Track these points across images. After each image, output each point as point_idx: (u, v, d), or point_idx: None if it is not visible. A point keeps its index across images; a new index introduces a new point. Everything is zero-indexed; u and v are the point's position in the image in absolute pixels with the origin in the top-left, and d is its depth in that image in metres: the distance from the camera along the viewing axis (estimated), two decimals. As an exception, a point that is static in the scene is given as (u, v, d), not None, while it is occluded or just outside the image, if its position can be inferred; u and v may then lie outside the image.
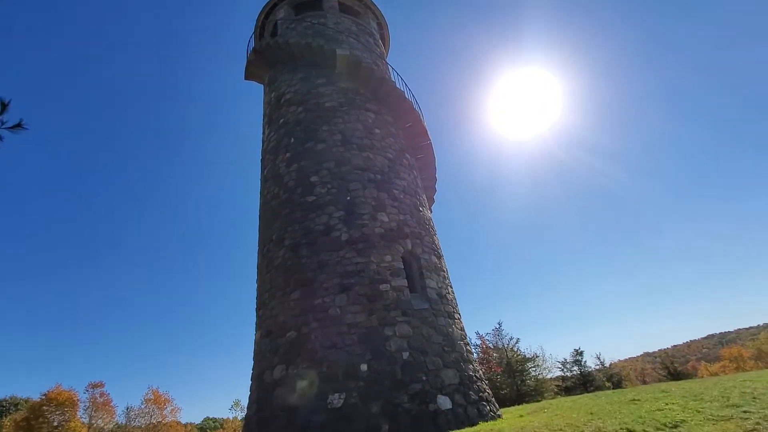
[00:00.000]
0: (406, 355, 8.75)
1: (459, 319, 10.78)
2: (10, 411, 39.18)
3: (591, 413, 7.16)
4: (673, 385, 10.47)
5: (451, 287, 11.41)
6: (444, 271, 11.31)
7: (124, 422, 37.77)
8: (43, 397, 32.63)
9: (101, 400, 36.38)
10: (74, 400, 33.92)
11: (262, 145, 13.80)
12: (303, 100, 12.84)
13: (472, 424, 8.35)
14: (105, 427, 37.55)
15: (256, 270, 11.89)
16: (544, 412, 9.50)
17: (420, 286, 10.28)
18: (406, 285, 9.85)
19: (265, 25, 16.85)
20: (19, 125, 4.41)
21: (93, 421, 35.73)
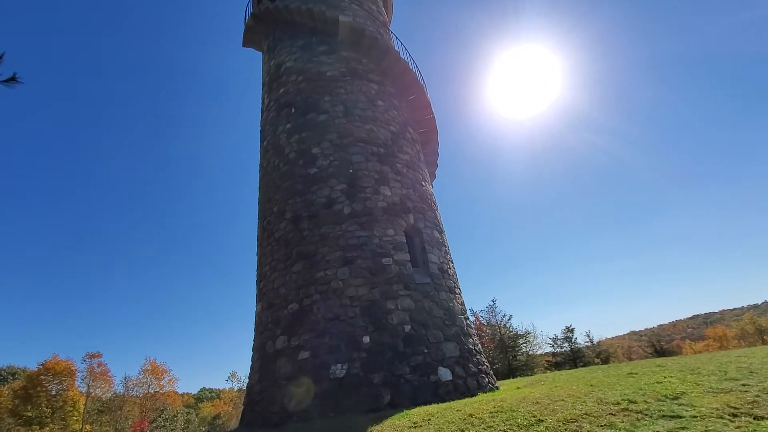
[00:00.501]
0: (407, 328, 8.79)
1: (459, 294, 10.82)
2: (8, 380, 39.66)
3: (590, 385, 7.28)
4: (669, 360, 10.70)
5: (452, 262, 11.41)
6: (445, 246, 11.28)
7: (122, 392, 38.39)
8: (41, 366, 32.97)
9: (99, 370, 36.87)
10: (72, 370, 34.34)
11: (262, 115, 13.44)
12: (304, 69, 12.43)
13: (472, 395, 8.49)
14: (103, 396, 38.18)
15: (257, 242, 11.78)
16: (542, 384, 9.68)
17: (422, 261, 10.25)
18: (409, 259, 9.81)
19: (263, -11, 16.14)
20: (13, 79, 4.16)
21: (91, 391, 36.28)
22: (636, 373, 8.02)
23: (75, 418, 33.69)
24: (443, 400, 7.94)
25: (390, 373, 8.09)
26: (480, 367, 9.53)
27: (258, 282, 10.83)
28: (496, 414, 5.68)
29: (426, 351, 8.62)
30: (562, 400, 6.18)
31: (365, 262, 9.37)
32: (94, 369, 36.34)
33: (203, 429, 41.28)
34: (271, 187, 11.32)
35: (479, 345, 10.41)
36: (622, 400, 5.78)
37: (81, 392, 35.49)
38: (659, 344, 44.90)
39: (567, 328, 36.51)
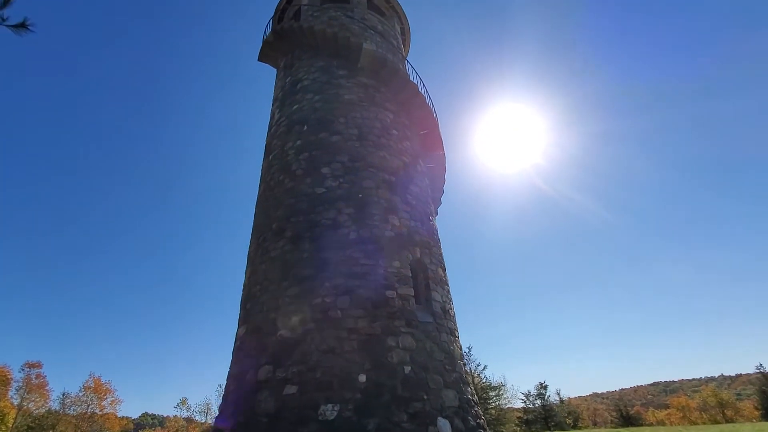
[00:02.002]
0: (408, 369, 8.10)
1: (458, 337, 10.24)
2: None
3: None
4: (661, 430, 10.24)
5: (452, 303, 10.89)
6: (447, 286, 10.80)
7: (58, 408, 34.76)
8: (-30, 371, 29.64)
9: (36, 381, 33.52)
10: (7, 378, 31.03)
11: (269, 129, 13.04)
12: (321, 89, 12.24)
13: (471, 452, 7.77)
14: (36, 411, 34.45)
15: (247, 259, 11.01)
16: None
17: (425, 298, 9.71)
18: (413, 294, 9.27)
19: (285, 9, 16.26)
20: (23, 25, 3.61)
21: (24, 403, 32.71)
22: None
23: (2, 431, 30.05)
24: (441, 456, 7.20)
25: (386, 419, 7.31)
26: (478, 420, 8.82)
27: (244, 302, 9.98)
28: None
29: (425, 397, 7.91)
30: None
31: (367, 292, 8.75)
32: (31, 380, 32.95)
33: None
34: (273, 203, 10.74)
35: (476, 396, 9.73)
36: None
37: (12, 404, 31.91)
38: (626, 409, 44.55)
39: (540, 384, 35.80)
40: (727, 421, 48.50)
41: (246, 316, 9.56)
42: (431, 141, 13.56)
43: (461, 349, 10.16)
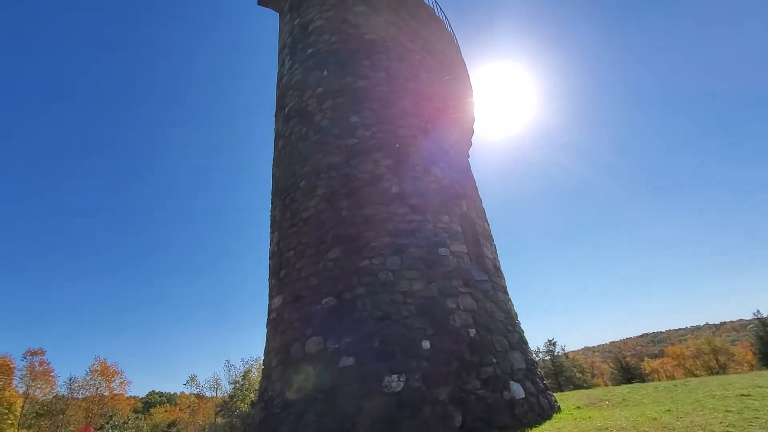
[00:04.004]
0: (472, 332, 7.27)
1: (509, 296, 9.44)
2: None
3: (728, 411, 6.04)
4: (731, 379, 9.77)
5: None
6: (494, 242, 9.89)
7: (66, 393, 34.20)
8: (-29, 362, 28.66)
9: (40, 369, 32.69)
10: (10, 367, 30.17)
11: (280, 80, 11.59)
12: (338, 29, 10.75)
13: (547, 416, 7.08)
14: (43, 398, 33.86)
15: (271, 223, 9.91)
16: (606, 403, 8.44)
17: (475, 255, 8.79)
18: (466, 251, 8.33)
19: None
20: None
21: (30, 391, 32.02)
22: (748, 395, 6.87)
23: (10, 421, 29.45)
24: (521, 423, 6.47)
25: (458, 388, 6.51)
26: (544, 382, 8.14)
27: (275, 270, 8.95)
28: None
29: (495, 361, 7.12)
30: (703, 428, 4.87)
31: (419, 251, 7.78)
32: (35, 367, 32.13)
33: (156, 437, 37.53)
34: (296, 159, 9.52)
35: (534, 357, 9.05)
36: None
37: (18, 393, 31.20)
38: (625, 361, 45.76)
39: (549, 341, 36.11)
40: (720, 367, 50.14)
41: (281, 286, 8.56)
42: (459, 87, 12.27)
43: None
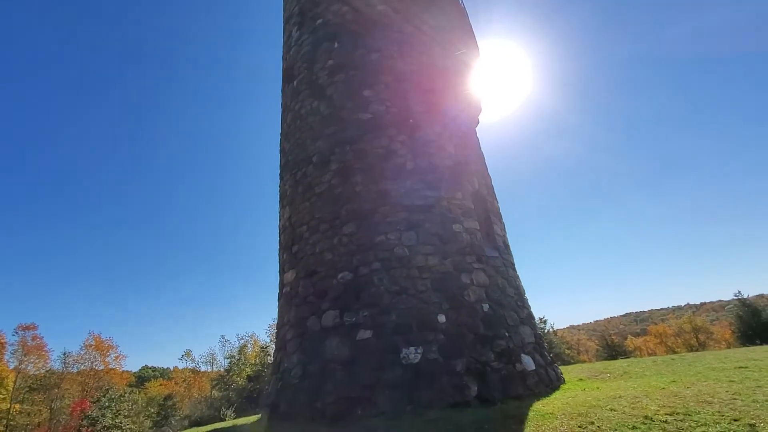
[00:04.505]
0: (486, 307, 7.42)
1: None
2: None
3: (731, 381, 6.33)
4: (726, 353, 10.21)
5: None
6: (502, 219, 9.99)
7: (60, 368, 34.28)
8: (-38, 336, 28.41)
9: (33, 343, 32.62)
10: (1, 342, 29.95)
11: (288, 51, 11.28)
12: (348, -1, 10.43)
13: (555, 387, 7.35)
14: (36, 372, 33.91)
15: (281, 197, 9.84)
16: (608, 375, 8.78)
17: (486, 232, 8.88)
18: (479, 228, 8.41)
19: None
20: None
21: (22, 366, 32.01)
22: (746, 367, 7.20)
23: (2, 395, 29.55)
24: (533, 393, 6.72)
25: (474, 360, 6.70)
26: (550, 355, 8.42)
27: (288, 245, 8.94)
28: (675, 416, 4.47)
29: (507, 335, 7.31)
30: (709, 396, 5.12)
31: (434, 227, 7.83)
32: (27, 342, 32.02)
33: (152, 410, 38.02)
34: (308, 133, 9.38)
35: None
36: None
37: (10, 368, 31.16)
38: (611, 339, 47.39)
39: (540, 319, 37.01)
40: (699, 345, 52.17)
41: (294, 260, 8.58)
42: (470, 62, 12.08)
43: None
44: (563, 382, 7.95)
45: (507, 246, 9.24)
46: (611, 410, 4.76)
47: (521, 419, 4.76)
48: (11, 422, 29.30)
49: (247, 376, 33.50)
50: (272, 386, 8.01)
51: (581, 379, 8.70)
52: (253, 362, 36.34)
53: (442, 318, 7.02)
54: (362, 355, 6.78)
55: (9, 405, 30.21)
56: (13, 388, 31.33)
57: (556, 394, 6.70)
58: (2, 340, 31.57)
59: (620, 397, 5.49)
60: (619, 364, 10.42)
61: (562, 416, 4.70)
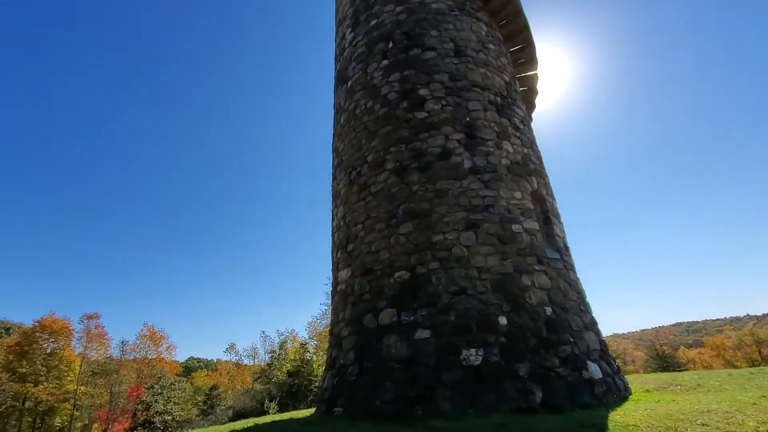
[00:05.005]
0: (549, 310, 7.17)
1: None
2: (2, 335, 37.62)
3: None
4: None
5: (566, 240, 9.77)
6: (561, 219, 9.62)
7: (118, 355, 36.72)
8: (37, 324, 31.05)
9: (96, 331, 35.12)
10: (69, 330, 32.55)
11: (341, 53, 11.45)
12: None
13: (624, 398, 6.97)
14: (98, 358, 36.49)
15: (334, 196, 10.00)
16: (678, 388, 8.23)
17: (546, 233, 8.59)
18: (539, 228, 8.15)
19: None
20: None
21: (87, 352, 34.55)
22: None
23: (69, 378, 32.05)
24: (601, 402, 6.40)
25: (538, 365, 6.48)
26: (616, 364, 8.00)
27: (342, 244, 9.06)
28: (779, 436, 4.09)
29: (572, 340, 7.02)
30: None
31: (493, 227, 7.66)
32: (91, 330, 34.55)
33: (199, 399, 39.88)
34: (362, 132, 9.46)
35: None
36: None
37: (76, 353, 33.74)
38: (662, 349, 44.52)
39: (586, 325, 35.36)
40: (762, 359, 48.15)
41: (348, 258, 8.68)
42: (523, 59, 11.77)
43: (582, 288, 9.17)
44: (630, 392, 7.53)
45: (567, 248, 8.88)
46: (703, 425, 4.42)
47: (600, 429, 4.53)
48: (78, 402, 31.75)
49: (287, 371, 34.40)
50: (327, 382, 8.13)
51: (648, 391, 8.22)
52: (292, 358, 37.28)
53: (503, 320, 6.85)
54: (420, 354, 6.73)
55: (76, 386, 32.76)
56: (79, 372, 33.94)
57: (628, 405, 6.34)
58: (69, 328, 34.22)
59: (710, 411, 5.10)
60: (689, 376, 9.73)
61: (648, 428, 4.43)
